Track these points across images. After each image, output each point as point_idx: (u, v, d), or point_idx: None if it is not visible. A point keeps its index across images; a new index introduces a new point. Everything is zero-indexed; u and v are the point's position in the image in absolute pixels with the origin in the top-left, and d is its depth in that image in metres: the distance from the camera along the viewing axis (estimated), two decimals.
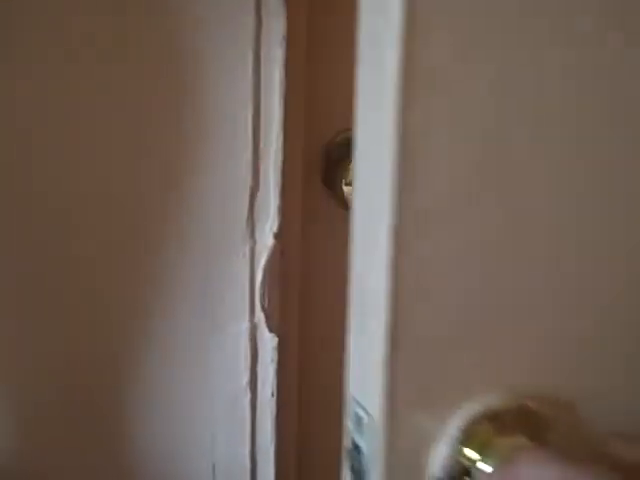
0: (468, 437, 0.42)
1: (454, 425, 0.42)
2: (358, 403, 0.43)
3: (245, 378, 0.77)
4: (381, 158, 0.39)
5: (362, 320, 0.42)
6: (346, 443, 0.45)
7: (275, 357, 0.76)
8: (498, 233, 0.41)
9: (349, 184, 0.75)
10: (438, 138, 0.39)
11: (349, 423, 0.44)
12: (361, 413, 0.43)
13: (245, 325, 0.75)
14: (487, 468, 0.41)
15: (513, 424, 0.42)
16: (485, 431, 0.42)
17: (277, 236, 0.73)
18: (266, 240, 0.73)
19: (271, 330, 0.75)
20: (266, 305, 0.74)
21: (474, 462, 0.42)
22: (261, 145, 0.70)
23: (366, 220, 0.42)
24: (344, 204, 0.76)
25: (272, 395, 0.78)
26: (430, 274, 0.40)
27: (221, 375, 0.77)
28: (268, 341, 0.76)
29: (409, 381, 0.40)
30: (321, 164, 0.78)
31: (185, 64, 0.68)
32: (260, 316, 0.75)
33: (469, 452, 0.42)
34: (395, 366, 0.40)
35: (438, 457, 0.42)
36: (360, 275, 0.43)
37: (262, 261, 0.73)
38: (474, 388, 0.42)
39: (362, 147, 0.43)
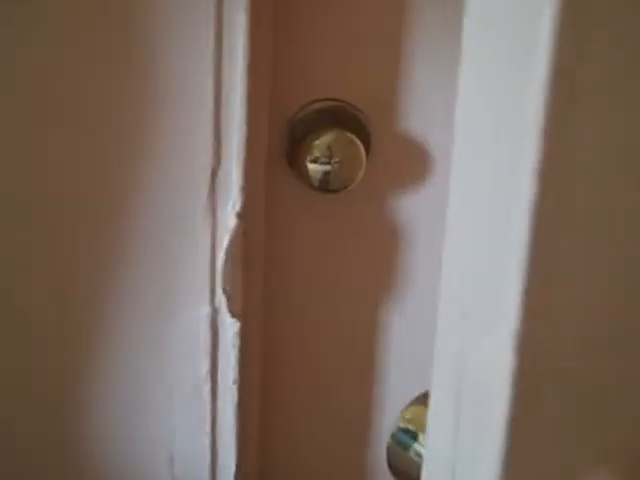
0: None
1: None
2: None
3: (205, 365, 0.74)
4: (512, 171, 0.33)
5: (460, 404, 0.37)
6: None
7: (237, 343, 0.73)
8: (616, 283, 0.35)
9: (314, 161, 0.72)
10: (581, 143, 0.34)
11: None
12: None
13: (205, 310, 0.72)
14: None
15: None
16: None
17: (239, 216, 0.69)
18: (228, 220, 0.69)
19: (233, 315, 0.72)
20: (228, 289, 0.71)
21: None
22: (223, 119, 0.66)
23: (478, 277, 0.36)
24: (308, 182, 0.73)
25: (234, 383, 0.75)
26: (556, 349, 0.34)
27: (180, 362, 0.74)
28: (230, 326, 0.73)
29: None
30: (284, 141, 0.75)
31: (140, 33, 0.64)
32: (221, 300, 0.71)
33: None
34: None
35: None
36: (461, 338, 0.36)
37: (224, 242, 0.70)
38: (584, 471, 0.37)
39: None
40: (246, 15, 0.62)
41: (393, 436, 0.73)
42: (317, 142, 0.72)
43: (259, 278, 0.76)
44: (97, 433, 0.76)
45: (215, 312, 0.72)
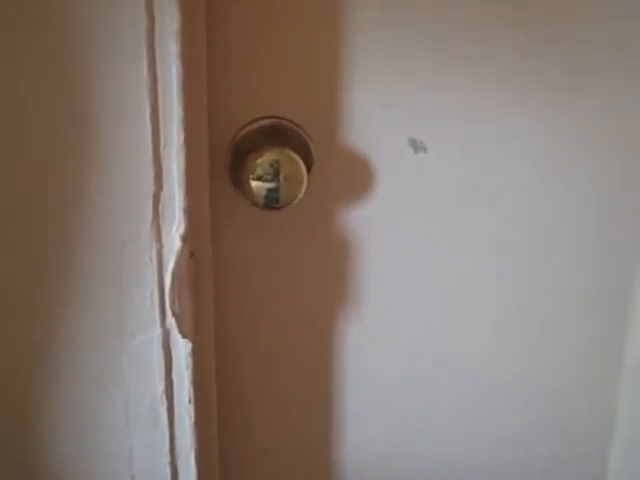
0: None
1: None
2: None
3: (160, 386, 0.74)
4: None
5: None
6: None
7: (190, 363, 0.74)
8: None
9: (257, 179, 0.73)
10: None
11: None
12: None
13: (157, 332, 0.72)
14: None
15: None
16: None
17: (184, 238, 0.70)
18: (173, 243, 0.70)
19: (184, 336, 0.72)
20: (177, 310, 0.71)
21: None
22: (162, 144, 0.67)
23: None
24: (253, 200, 0.74)
25: (189, 402, 0.75)
26: None
27: (135, 384, 0.74)
28: (182, 347, 0.73)
29: None
30: (227, 161, 0.75)
31: (75, 63, 0.64)
32: (172, 322, 0.72)
33: None
34: None
35: None
36: None
37: (170, 265, 0.70)
38: None
39: None
40: (177, 43, 0.63)
41: None
42: (259, 160, 0.73)
43: (209, 297, 0.76)
44: (58, 455, 0.76)
45: (167, 333, 0.73)
